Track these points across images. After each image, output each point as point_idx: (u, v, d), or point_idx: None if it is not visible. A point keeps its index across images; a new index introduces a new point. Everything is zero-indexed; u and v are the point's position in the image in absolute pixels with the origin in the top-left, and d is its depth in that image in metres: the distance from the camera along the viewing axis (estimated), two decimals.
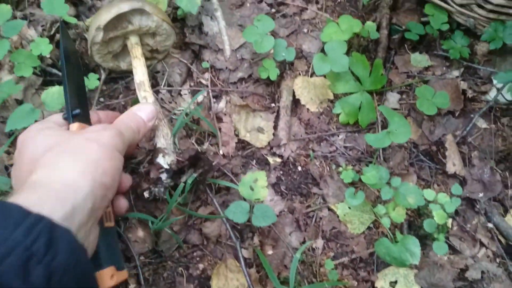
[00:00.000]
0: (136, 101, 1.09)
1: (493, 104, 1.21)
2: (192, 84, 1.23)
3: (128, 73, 1.19)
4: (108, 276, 0.74)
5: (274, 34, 1.29)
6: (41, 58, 1.13)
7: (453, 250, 1.07)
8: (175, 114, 1.14)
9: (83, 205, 0.62)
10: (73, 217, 0.60)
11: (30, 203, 0.57)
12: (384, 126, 1.18)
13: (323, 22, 1.34)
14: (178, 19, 1.27)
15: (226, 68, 1.23)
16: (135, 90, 1.09)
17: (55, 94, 1.04)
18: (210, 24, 1.28)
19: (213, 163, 1.07)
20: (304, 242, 1.04)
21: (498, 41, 1.19)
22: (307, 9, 1.36)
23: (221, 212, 1.04)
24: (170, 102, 1.18)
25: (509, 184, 1.14)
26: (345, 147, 1.17)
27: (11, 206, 0.56)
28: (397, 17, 1.33)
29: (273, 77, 1.18)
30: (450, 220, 1.08)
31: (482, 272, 1.02)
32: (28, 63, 1.06)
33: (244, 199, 1.00)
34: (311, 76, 1.25)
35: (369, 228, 1.08)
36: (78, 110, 0.83)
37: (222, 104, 1.20)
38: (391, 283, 1.01)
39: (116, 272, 0.76)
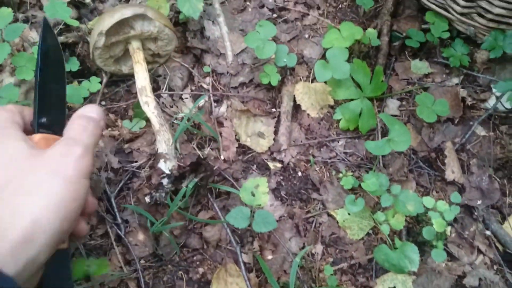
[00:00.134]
0: (137, 105, 1.10)
1: (492, 112, 1.22)
2: (193, 88, 1.23)
3: (130, 76, 1.19)
4: None
5: (275, 39, 1.29)
6: None
7: (451, 257, 1.07)
8: (176, 119, 1.14)
9: (37, 260, 0.56)
10: (24, 271, 0.55)
11: None
12: (384, 132, 1.19)
13: (324, 28, 1.35)
14: (180, 23, 1.28)
15: (227, 72, 1.24)
16: (136, 93, 1.10)
17: None
18: (211, 29, 1.28)
19: (214, 168, 1.08)
20: (303, 247, 1.05)
21: (498, 50, 1.20)
22: (308, 14, 1.37)
23: (222, 217, 1.05)
24: (171, 107, 1.18)
25: (507, 192, 1.15)
26: (345, 153, 1.18)
27: None
28: (397, 24, 1.34)
29: (274, 82, 1.19)
30: (448, 228, 1.08)
31: (480, 279, 1.03)
32: (30, 66, 1.06)
33: (245, 204, 1.00)
34: (312, 81, 1.26)
35: (368, 234, 1.09)
36: (44, 119, 0.73)
37: (223, 109, 1.20)
38: None
39: None
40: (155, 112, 1.06)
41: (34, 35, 1.19)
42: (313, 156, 1.17)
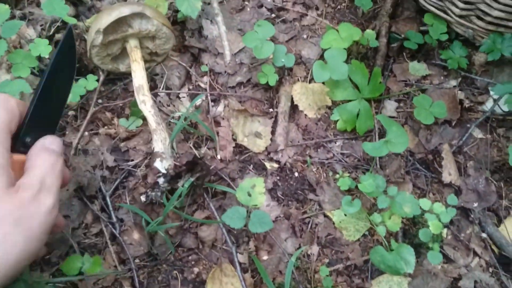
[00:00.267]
0: (134, 104, 1.09)
1: (489, 114, 1.21)
2: (190, 87, 1.23)
3: (127, 75, 1.19)
4: None
5: (273, 39, 1.29)
6: (39, 58, 1.13)
7: (446, 259, 1.07)
8: (173, 117, 1.14)
9: None
10: None
11: None
12: (382, 134, 1.19)
13: (322, 29, 1.35)
14: (178, 22, 1.28)
15: (225, 72, 1.24)
16: (133, 92, 1.09)
17: None
18: (210, 28, 1.28)
19: (211, 168, 1.08)
20: (299, 248, 1.05)
21: (496, 53, 1.20)
22: (307, 15, 1.37)
23: (218, 217, 1.04)
24: (168, 105, 1.18)
25: (503, 195, 1.14)
26: (342, 154, 1.18)
27: None
28: (396, 25, 1.34)
29: (272, 82, 1.19)
30: (444, 230, 1.08)
31: (475, 281, 1.03)
32: (26, 63, 1.06)
33: (241, 205, 1.00)
34: (310, 82, 1.26)
35: (364, 235, 1.08)
36: (29, 139, 0.70)
37: (220, 108, 1.20)
38: None
39: None
40: (152, 111, 1.06)
41: (31, 32, 1.19)
42: (310, 157, 1.16)
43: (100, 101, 1.17)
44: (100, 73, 1.18)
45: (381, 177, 1.04)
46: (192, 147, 1.12)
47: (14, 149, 0.68)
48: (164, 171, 1.00)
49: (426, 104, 1.17)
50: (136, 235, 1.02)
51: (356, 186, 1.07)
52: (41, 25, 1.21)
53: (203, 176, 1.04)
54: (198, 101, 1.20)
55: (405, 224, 1.09)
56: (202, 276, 1.02)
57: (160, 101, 1.17)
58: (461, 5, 1.19)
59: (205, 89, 1.22)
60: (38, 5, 1.25)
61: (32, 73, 1.09)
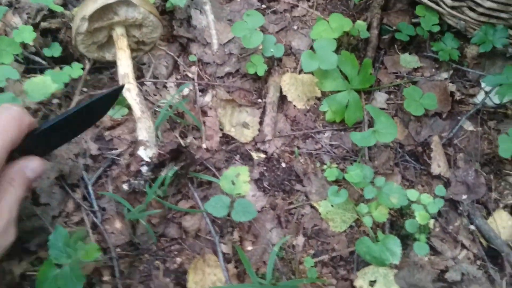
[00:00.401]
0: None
1: (480, 107, 1.20)
2: (178, 77, 1.22)
3: (114, 64, 1.17)
4: None
5: (263, 30, 1.28)
6: (24, 45, 1.12)
7: (434, 251, 1.06)
8: (159, 106, 1.13)
9: None
10: None
11: None
12: (371, 125, 1.17)
13: (313, 20, 1.33)
14: (166, 12, 1.26)
15: (214, 62, 1.22)
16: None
17: (38, 84, 1.02)
18: (198, 18, 1.27)
19: (196, 157, 1.06)
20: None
21: (488, 44, 1.18)
22: (298, 6, 1.36)
23: (202, 206, 1.03)
24: (155, 95, 1.17)
25: (493, 187, 1.13)
26: (331, 145, 1.16)
27: None
28: (388, 17, 1.32)
29: (261, 72, 1.17)
30: (432, 221, 1.07)
31: (462, 274, 1.01)
32: (10, 50, 1.04)
33: (226, 194, 0.99)
34: (299, 73, 1.24)
35: (351, 226, 1.07)
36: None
37: (208, 98, 1.18)
38: (370, 282, 1.00)
39: None
40: (137, 99, 1.04)
41: (17, 20, 1.18)
42: (298, 148, 1.15)
43: (85, 89, 1.15)
44: (86, 61, 1.17)
45: (368, 167, 1.02)
46: (178, 136, 1.11)
47: None
48: (147, 159, 0.99)
49: (416, 95, 1.16)
50: (118, 224, 1.00)
51: (344, 178, 1.06)
52: (27, 14, 1.19)
53: (188, 165, 1.03)
54: (185, 91, 1.18)
55: (393, 216, 1.07)
56: (185, 266, 1.00)
57: (146, 90, 1.16)
58: None
59: (193, 79, 1.20)
60: None
61: (16, 60, 1.08)
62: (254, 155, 1.12)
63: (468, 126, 1.20)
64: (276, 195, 1.09)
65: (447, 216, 1.09)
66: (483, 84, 1.22)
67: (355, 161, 1.12)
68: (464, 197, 1.09)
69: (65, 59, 1.16)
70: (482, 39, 1.19)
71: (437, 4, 1.24)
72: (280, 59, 1.24)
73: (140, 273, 0.99)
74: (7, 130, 0.61)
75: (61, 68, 1.13)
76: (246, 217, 0.94)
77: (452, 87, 1.23)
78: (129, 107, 1.11)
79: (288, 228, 1.05)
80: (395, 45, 1.32)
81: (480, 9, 1.17)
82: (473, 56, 1.27)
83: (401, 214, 1.07)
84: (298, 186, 1.10)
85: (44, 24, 1.17)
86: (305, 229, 1.06)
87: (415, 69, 1.28)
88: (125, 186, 0.99)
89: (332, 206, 1.07)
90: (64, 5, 1.25)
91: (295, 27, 1.32)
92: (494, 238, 1.05)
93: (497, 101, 1.18)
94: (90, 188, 1.03)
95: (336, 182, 1.10)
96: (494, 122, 1.20)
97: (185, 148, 1.02)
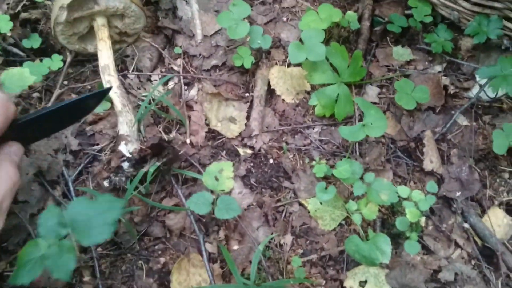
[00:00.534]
0: (101, 85, 1.04)
1: (475, 101, 1.16)
2: (163, 70, 1.18)
3: (96, 56, 1.13)
4: None
5: (251, 21, 1.24)
6: (3, 37, 1.08)
7: (427, 250, 1.02)
8: (142, 100, 1.09)
9: None
10: None
11: None
12: (362, 120, 1.13)
13: (303, 11, 1.29)
14: (151, 2, 1.23)
15: (200, 54, 1.18)
16: None
17: (15, 75, 0.98)
18: (184, 9, 1.23)
19: (180, 153, 1.02)
20: (272, 238, 1.00)
21: (482, 35, 1.15)
22: None
23: (186, 204, 0.99)
24: (139, 88, 1.13)
25: (488, 184, 1.09)
26: (320, 141, 1.13)
27: None
28: (380, 8, 1.29)
29: (248, 65, 1.13)
30: (424, 219, 1.03)
31: (456, 273, 0.98)
32: None
33: (212, 192, 0.95)
34: (288, 66, 1.20)
35: (340, 225, 1.03)
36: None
37: (193, 92, 1.14)
38: (360, 282, 0.97)
39: None
40: (117, 92, 1.00)
41: None
42: (287, 143, 1.11)
43: (66, 82, 1.11)
44: (68, 53, 1.13)
45: (357, 163, 0.99)
46: (161, 131, 1.07)
47: None
48: (128, 154, 0.95)
49: (408, 88, 1.12)
50: None
51: (333, 174, 1.02)
52: (7, 4, 1.15)
53: (171, 160, 0.99)
54: (170, 85, 1.14)
55: (384, 214, 1.04)
56: (169, 266, 0.97)
57: (129, 84, 1.12)
58: None
59: (178, 72, 1.16)
60: None
61: None
62: (241, 150, 1.09)
63: (462, 121, 1.17)
64: (263, 192, 1.05)
65: (440, 214, 1.05)
66: (477, 77, 1.18)
67: (345, 157, 1.09)
68: (458, 194, 1.06)
69: (45, 51, 1.12)
70: (476, 30, 1.16)
71: None
72: (268, 52, 1.20)
73: (122, 274, 0.95)
74: None
75: (41, 60, 1.09)
76: (229, 214, 0.90)
77: (445, 80, 1.19)
78: (111, 101, 1.07)
79: (275, 226, 1.01)
80: (387, 37, 1.29)
81: None
82: (467, 49, 1.23)
83: (392, 212, 1.04)
84: (286, 183, 1.06)
85: (24, 15, 1.13)
86: (293, 227, 1.02)
87: (408, 62, 1.25)
88: (105, 183, 0.95)
89: (321, 203, 1.03)
90: None
91: (284, 19, 1.28)
92: (489, 236, 1.02)
93: (492, 95, 1.15)
94: (70, 185, 0.99)
95: (326, 178, 1.06)
96: (489, 117, 1.17)
97: (168, 143, 0.98)
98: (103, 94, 0.76)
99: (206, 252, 0.96)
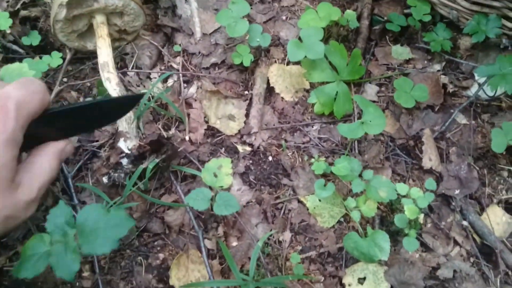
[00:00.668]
0: (100, 82, 1.04)
1: (474, 99, 1.16)
2: (162, 68, 1.18)
3: (96, 54, 1.13)
4: None
5: (251, 20, 1.24)
6: (3, 35, 1.08)
7: (425, 247, 1.02)
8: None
9: None
10: None
11: None
12: (361, 118, 1.14)
13: (302, 10, 1.30)
14: (151, 0, 1.23)
15: (199, 52, 1.19)
16: None
17: (14, 70, 0.98)
18: (184, 7, 1.23)
19: (179, 150, 1.02)
20: (271, 235, 1.00)
21: (480, 34, 1.15)
22: None
23: (185, 200, 0.99)
24: (138, 86, 1.13)
25: (486, 182, 1.09)
26: (319, 138, 1.13)
27: None
28: (379, 7, 1.29)
29: (247, 63, 1.14)
30: (422, 216, 1.03)
31: (455, 271, 0.98)
32: None
33: (211, 188, 0.95)
34: (287, 64, 1.20)
35: (339, 222, 1.03)
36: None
37: (192, 90, 1.15)
38: (359, 279, 0.97)
39: None
40: (117, 89, 1.01)
41: None
42: (286, 141, 1.11)
43: (65, 80, 1.11)
44: (67, 51, 1.13)
45: (356, 160, 0.99)
46: (161, 128, 1.07)
47: None
48: (127, 151, 0.95)
49: (407, 87, 1.12)
50: None
51: (332, 171, 1.02)
52: (7, 1, 1.15)
53: (170, 157, 0.99)
54: (170, 82, 1.15)
55: (383, 211, 1.04)
56: (168, 262, 0.97)
57: (129, 81, 1.12)
58: None
59: (178, 70, 1.16)
60: None
61: None
62: (240, 148, 1.09)
63: (461, 119, 1.17)
64: (262, 189, 1.06)
65: (439, 211, 1.06)
66: (476, 76, 1.19)
67: (344, 154, 1.09)
68: (457, 192, 1.06)
69: (45, 49, 1.13)
70: (474, 29, 1.16)
71: None
72: (267, 50, 1.21)
73: (122, 269, 0.95)
74: (30, 102, 0.60)
75: (40, 57, 1.09)
76: (228, 210, 0.91)
77: (444, 79, 1.20)
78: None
79: (274, 223, 1.02)
80: (387, 36, 1.29)
81: None
82: (466, 48, 1.24)
83: (391, 209, 1.04)
84: (285, 180, 1.07)
85: (23, 12, 1.14)
86: (292, 224, 1.02)
87: (407, 61, 1.25)
88: (104, 179, 0.95)
89: (320, 200, 1.03)
90: None
91: (284, 17, 1.28)
92: (488, 234, 1.02)
93: (490, 94, 1.15)
94: (70, 181, 1.00)
95: (325, 176, 1.06)
96: (487, 115, 1.17)
97: (167, 140, 0.98)
98: (137, 98, 0.75)
99: (205, 248, 0.96)
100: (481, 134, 1.15)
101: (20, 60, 1.08)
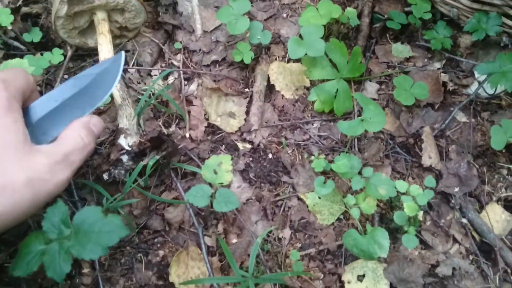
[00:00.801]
0: None
1: (473, 97, 1.17)
2: (163, 65, 1.18)
3: (97, 51, 1.13)
4: None
5: (251, 17, 1.25)
6: (4, 31, 1.08)
7: (425, 245, 1.03)
8: (142, 94, 1.09)
9: None
10: None
11: None
12: (361, 115, 1.14)
13: (303, 8, 1.30)
14: None
15: (200, 50, 1.19)
16: None
17: (15, 66, 0.98)
18: (184, 4, 1.23)
19: (179, 147, 1.03)
20: (271, 232, 1.00)
21: (480, 32, 1.15)
22: None
23: (185, 197, 1.00)
24: (139, 83, 1.13)
25: (486, 180, 1.10)
26: (319, 136, 1.13)
27: None
28: (379, 5, 1.29)
29: (247, 60, 1.14)
30: (421, 213, 1.03)
31: (454, 268, 0.98)
32: None
33: (211, 185, 0.95)
34: (288, 61, 1.21)
35: (339, 219, 1.03)
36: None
37: (193, 87, 1.15)
38: (358, 276, 0.97)
39: None
40: (117, 85, 1.01)
41: None
42: (286, 138, 1.11)
43: (66, 76, 1.12)
44: (68, 48, 1.13)
45: (356, 157, 0.99)
46: (161, 125, 1.08)
47: None
48: (128, 147, 0.95)
49: (407, 84, 1.12)
50: None
51: (332, 169, 1.02)
52: None
53: (170, 154, 0.99)
54: (170, 80, 1.15)
55: (382, 208, 1.04)
56: (168, 259, 0.97)
57: (129, 78, 1.13)
58: None
59: (178, 67, 1.17)
60: None
61: None
62: (240, 145, 1.09)
63: (461, 117, 1.17)
64: (262, 186, 1.06)
65: (439, 209, 1.06)
66: (476, 74, 1.19)
67: (344, 152, 1.09)
68: (456, 189, 1.06)
69: (46, 45, 1.13)
70: (475, 27, 1.16)
71: None
72: (268, 48, 1.21)
73: (121, 266, 0.96)
74: (14, 79, 0.69)
75: (41, 54, 1.10)
76: (227, 207, 0.91)
77: (444, 77, 1.20)
78: (111, 95, 1.07)
79: (274, 220, 1.02)
80: (387, 34, 1.29)
81: None
82: (466, 46, 1.24)
83: (390, 207, 1.04)
84: (285, 178, 1.07)
85: (25, 9, 1.14)
86: (292, 221, 1.03)
87: (407, 59, 1.25)
88: (105, 176, 0.95)
89: (319, 198, 1.03)
90: None
91: (284, 15, 1.28)
92: (487, 232, 1.02)
93: (490, 92, 1.15)
94: None
95: (324, 173, 1.07)
96: (487, 113, 1.17)
97: (167, 137, 0.99)
98: (117, 59, 0.82)
99: (205, 245, 0.96)
100: (480, 132, 1.15)
101: (21, 57, 1.08)
